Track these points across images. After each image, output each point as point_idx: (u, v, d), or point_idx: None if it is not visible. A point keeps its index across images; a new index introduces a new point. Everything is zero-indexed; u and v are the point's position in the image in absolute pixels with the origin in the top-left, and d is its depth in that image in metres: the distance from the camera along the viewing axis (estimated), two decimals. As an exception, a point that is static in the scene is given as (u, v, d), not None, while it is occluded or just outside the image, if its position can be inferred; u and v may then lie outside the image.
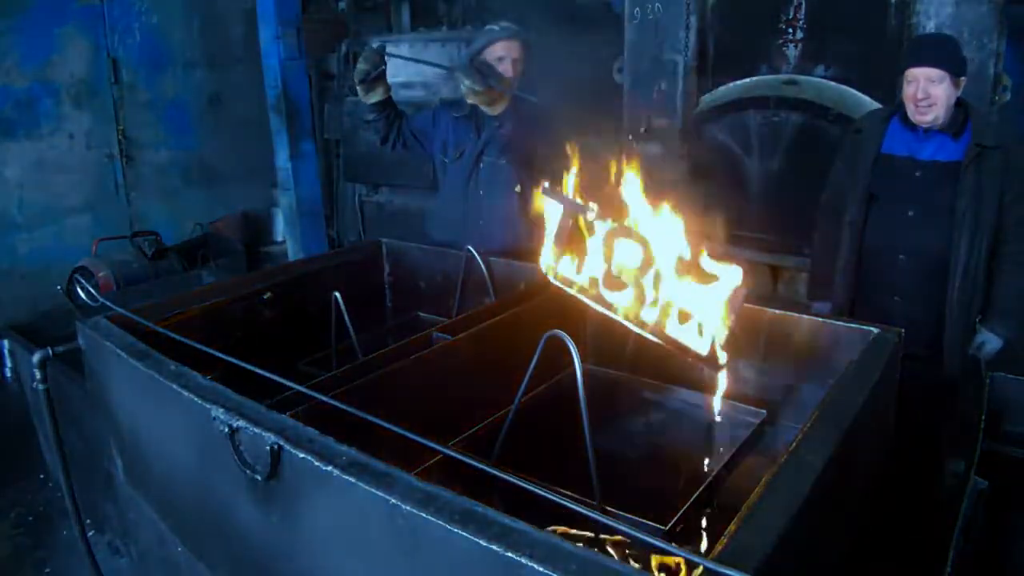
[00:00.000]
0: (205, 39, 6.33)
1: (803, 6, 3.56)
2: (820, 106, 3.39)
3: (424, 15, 6.25)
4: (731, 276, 1.57)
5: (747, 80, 3.73)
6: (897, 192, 2.58)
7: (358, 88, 2.84)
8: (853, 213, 2.64)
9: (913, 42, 2.70)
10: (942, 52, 2.46)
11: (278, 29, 4.97)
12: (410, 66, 5.14)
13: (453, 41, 5.19)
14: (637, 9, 3.91)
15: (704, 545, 1.63)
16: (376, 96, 2.86)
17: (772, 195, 3.59)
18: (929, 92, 2.42)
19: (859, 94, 3.46)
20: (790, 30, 3.62)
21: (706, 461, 1.90)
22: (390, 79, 2.90)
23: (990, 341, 2.61)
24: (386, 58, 2.81)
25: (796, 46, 3.62)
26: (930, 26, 3.21)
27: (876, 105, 3.28)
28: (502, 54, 2.85)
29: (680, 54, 3.83)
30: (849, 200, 2.66)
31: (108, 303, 2.01)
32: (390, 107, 2.94)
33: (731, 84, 3.79)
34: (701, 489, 1.66)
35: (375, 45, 2.81)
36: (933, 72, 2.42)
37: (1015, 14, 3.21)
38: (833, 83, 3.54)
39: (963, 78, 2.48)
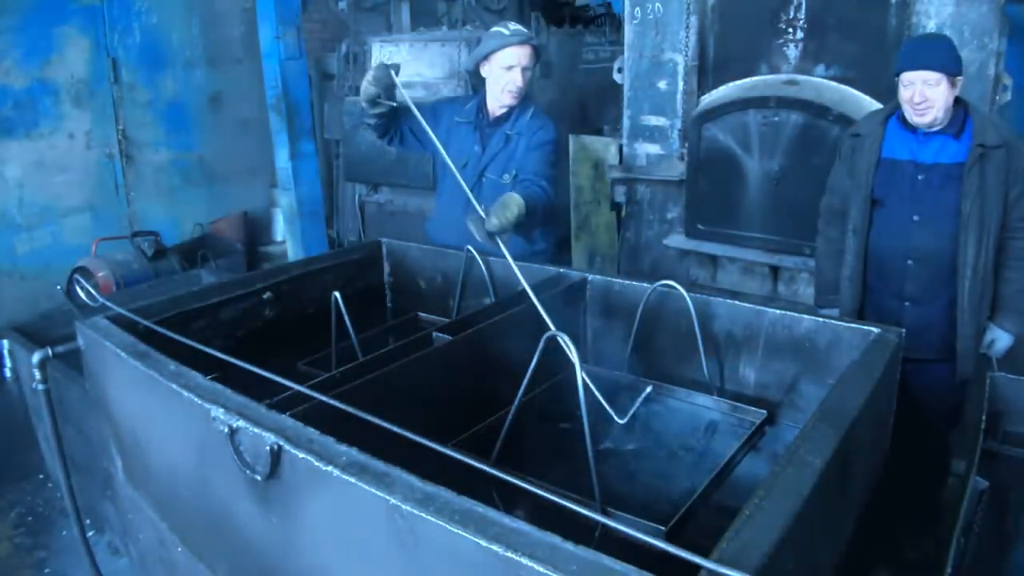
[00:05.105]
0: (205, 39, 6.33)
1: (803, 6, 3.55)
2: (820, 106, 3.38)
3: (424, 15, 6.26)
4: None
5: (747, 80, 3.73)
6: (901, 196, 2.54)
7: (363, 103, 2.73)
8: (856, 219, 2.60)
9: (907, 44, 2.62)
10: (938, 54, 2.41)
11: (278, 29, 4.97)
12: (410, 66, 5.16)
13: (453, 41, 5.19)
14: (637, 9, 3.91)
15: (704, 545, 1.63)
16: (380, 110, 2.77)
17: (772, 195, 3.59)
18: (927, 95, 2.38)
19: (859, 94, 3.45)
20: (790, 30, 3.61)
21: (706, 461, 1.90)
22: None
23: (1001, 339, 2.59)
24: (397, 95, 2.69)
25: (796, 46, 3.62)
26: (930, 26, 3.20)
27: (876, 105, 3.26)
28: (512, 62, 2.74)
29: (680, 54, 3.83)
30: (852, 205, 2.61)
31: (108, 303, 2.00)
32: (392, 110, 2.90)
33: (731, 84, 3.78)
34: (701, 489, 1.66)
35: (388, 67, 2.61)
36: (930, 75, 2.37)
37: (1015, 14, 3.21)
38: (833, 83, 3.53)
39: (960, 77, 2.43)
